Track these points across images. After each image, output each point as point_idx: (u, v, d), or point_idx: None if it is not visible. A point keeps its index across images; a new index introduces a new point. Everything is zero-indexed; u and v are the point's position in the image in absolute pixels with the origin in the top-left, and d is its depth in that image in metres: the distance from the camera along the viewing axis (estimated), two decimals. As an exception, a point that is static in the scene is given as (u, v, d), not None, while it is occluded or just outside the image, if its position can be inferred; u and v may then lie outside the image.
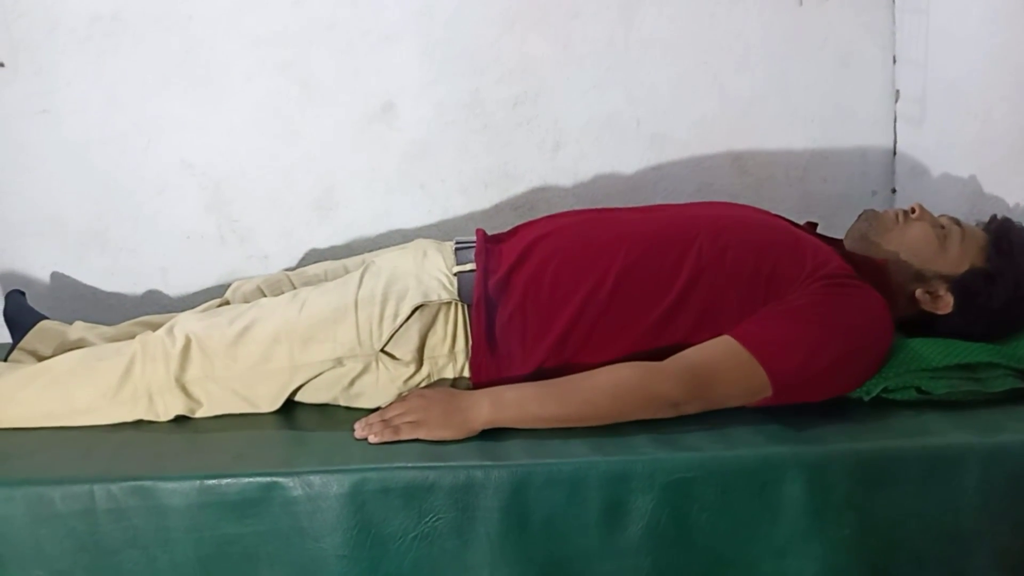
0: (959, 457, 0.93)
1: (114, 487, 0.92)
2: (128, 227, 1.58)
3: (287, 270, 1.41)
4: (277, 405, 1.07)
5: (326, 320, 1.05)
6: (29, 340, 1.26)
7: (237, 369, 1.05)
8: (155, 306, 1.58)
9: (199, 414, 1.08)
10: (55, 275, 1.60)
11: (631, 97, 1.57)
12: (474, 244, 1.15)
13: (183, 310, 1.28)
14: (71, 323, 1.33)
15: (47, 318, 1.32)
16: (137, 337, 1.10)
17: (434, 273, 1.11)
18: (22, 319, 1.30)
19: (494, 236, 1.20)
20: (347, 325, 1.05)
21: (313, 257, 1.59)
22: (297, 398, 1.09)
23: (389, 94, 1.54)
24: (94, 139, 1.54)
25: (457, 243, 1.19)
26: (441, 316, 1.06)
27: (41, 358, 1.20)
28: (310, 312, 1.07)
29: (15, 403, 1.08)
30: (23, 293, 1.41)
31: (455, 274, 1.10)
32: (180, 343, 1.06)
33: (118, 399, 1.05)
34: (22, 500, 0.91)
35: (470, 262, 1.11)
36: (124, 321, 1.35)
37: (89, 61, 1.52)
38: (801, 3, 1.52)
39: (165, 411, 1.06)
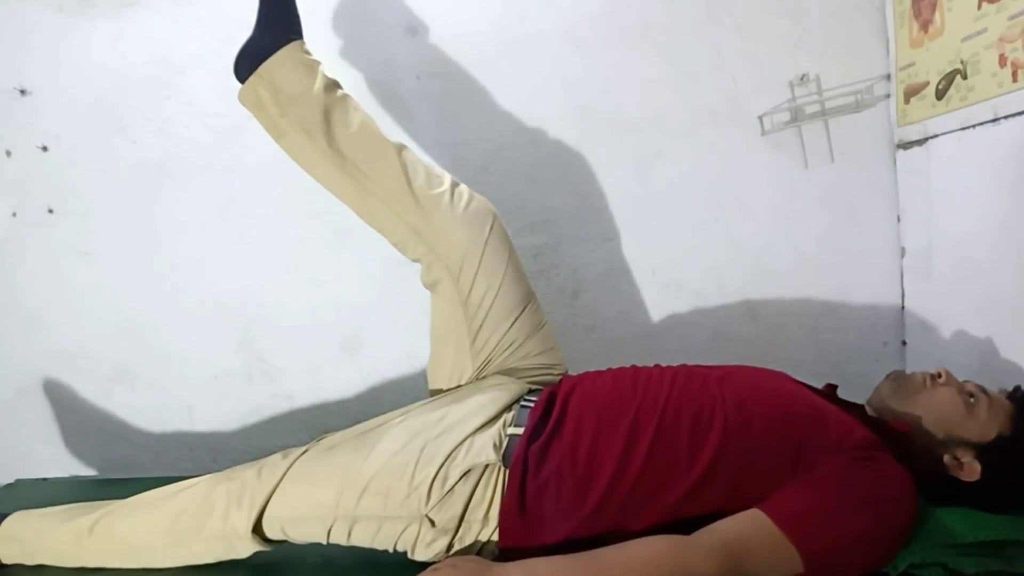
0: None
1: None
2: (158, 364, 1.62)
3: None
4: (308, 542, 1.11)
5: (383, 474, 1.07)
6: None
7: (288, 505, 1.09)
8: (179, 444, 1.60)
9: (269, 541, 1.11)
10: (83, 409, 1.63)
11: (646, 247, 1.64)
12: (533, 403, 1.16)
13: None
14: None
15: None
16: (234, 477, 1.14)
17: (491, 433, 1.12)
18: None
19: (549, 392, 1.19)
20: (401, 484, 1.06)
21: (337, 397, 1.62)
22: (332, 540, 1.10)
23: (417, 241, 1.61)
24: (131, 279, 1.61)
25: (523, 402, 1.19)
26: (484, 479, 1.07)
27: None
28: (372, 464, 1.08)
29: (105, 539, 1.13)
30: None
31: (508, 435, 1.11)
32: (262, 478, 1.11)
33: (208, 529, 1.10)
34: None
35: (523, 424, 1.12)
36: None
37: (133, 206, 1.60)
38: (807, 165, 1.61)
39: (243, 548, 1.10)
